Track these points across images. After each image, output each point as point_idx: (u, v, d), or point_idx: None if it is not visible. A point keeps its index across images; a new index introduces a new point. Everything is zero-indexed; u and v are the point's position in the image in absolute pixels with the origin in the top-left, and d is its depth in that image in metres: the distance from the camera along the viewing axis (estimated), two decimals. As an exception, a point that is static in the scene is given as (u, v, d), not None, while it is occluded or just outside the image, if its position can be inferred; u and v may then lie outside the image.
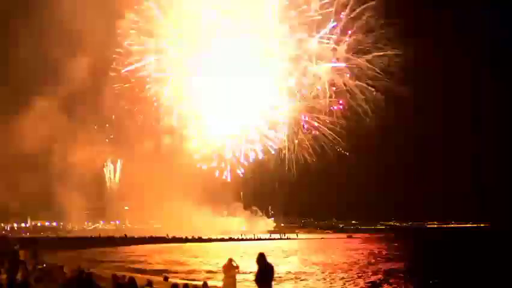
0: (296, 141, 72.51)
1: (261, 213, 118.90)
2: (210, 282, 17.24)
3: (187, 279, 22.33)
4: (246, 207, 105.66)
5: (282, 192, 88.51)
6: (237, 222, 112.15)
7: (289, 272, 29.88)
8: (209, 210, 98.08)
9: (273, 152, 73.68)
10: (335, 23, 66.28)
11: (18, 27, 78.94)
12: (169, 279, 14.98)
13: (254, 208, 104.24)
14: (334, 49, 67.12)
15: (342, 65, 67.14)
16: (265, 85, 71.04)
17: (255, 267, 10.67)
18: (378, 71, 66.79)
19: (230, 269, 14.19)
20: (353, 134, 71.88)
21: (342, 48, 67.08)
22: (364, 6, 65.78)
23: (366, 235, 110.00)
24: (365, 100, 68.64)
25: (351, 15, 66.08)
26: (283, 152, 72.91)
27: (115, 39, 73.44)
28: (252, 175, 79.20)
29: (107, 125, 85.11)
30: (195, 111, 72.78)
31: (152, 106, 75.07)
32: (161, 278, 15.68)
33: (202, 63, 70.18)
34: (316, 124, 71.04)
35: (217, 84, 70.07)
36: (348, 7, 66.27)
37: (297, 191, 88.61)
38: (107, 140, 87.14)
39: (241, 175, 78.00)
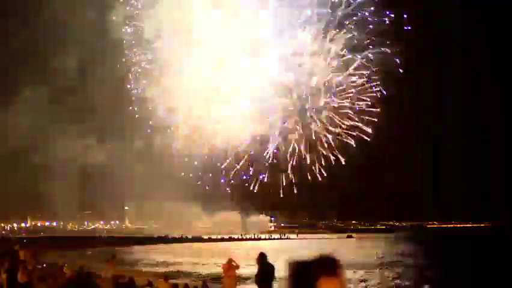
0: (292, 138, 71.95)
1: (257, 212, 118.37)
2: (209, 282, 17.25)
3: (187, 279, 22.35)
4: (241, 206, 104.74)
5: (280, 191, 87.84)
6: (232, 221, 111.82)
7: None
8: (202, 209, 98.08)
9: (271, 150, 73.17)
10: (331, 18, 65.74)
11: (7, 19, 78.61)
12: (169, 279, 14.95)
13: (245, 204, 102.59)
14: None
15: None
16: (259, 81, 70.56)
17: (255, 267, 10.64)
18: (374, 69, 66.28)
19: (230, 269, 14.16)
20: (352, 134, 71.41)
21: (338, 44, 66.57)
22: (361, 0, 65.22)
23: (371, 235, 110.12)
24: (362, 99, 68.21)
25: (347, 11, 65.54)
26: (280, 151, 72.42)
27: (105, 30, 72.70)
28: (249, 174, 78.59)
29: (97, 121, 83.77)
30: (186, 108, 72.20)
31: (143, 103, 74.26)
32: (161, 278, 15.65)
33: (193, 58, 69.64)
34: (315, 123, 70.51)
35: (210, 80, 69.53)
36: (344, 2, 65.71)
37: (296, 191, 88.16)
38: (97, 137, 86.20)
39: (238, 173, 77.39)
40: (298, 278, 2.80)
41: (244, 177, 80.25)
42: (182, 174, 78.69)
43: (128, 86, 74.56)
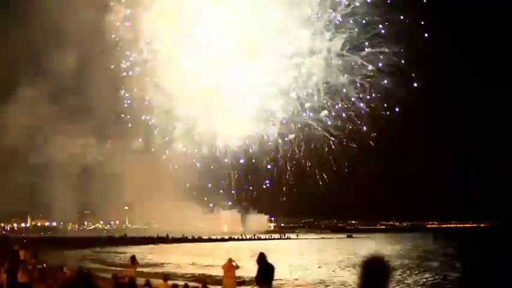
0: (291, 139, 71.68)
1: (255, 212, 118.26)
2: (209, 282, 17.25)
3: (187, 280, 22.35)
4: (241, 206, 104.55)
5: (280, 192, 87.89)
6: (232, 221, 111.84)
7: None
8: (202, 209, 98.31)
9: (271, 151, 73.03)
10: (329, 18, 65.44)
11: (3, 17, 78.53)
12: (169, 280, 14.95)
13: (245, 203, 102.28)
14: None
15: None
16: (257, 82, 70.37)
17: (255, 267, 10.62)
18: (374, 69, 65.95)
19: (230, 269, 14.17)
20: (351, 134, 71.18)
21: (337, 43, 66.25)
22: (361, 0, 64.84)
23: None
24: (361, 99, 67.90)
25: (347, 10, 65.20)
26: (279, 151, 72.25)
27: (103, 31, 72.45)
28: (248, 174, 78.46)
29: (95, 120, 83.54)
30: (184, 109, 72.00)
31: (141, 104, 74.05)
32: (160, 278, 15.65)
33: (192, 59, 69.40)
34: (311, 123, 70.28)
35: (209, 80, 69.30)
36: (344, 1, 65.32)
37: (296, 191, 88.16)
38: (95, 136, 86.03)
39: (237, 174, 77.28)
40: (371, 276, 2.90)
41: (245, 187, 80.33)
42: (178, 182, 79.13)
43: (121, 91, 75.10)
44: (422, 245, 64.64)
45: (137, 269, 19.86)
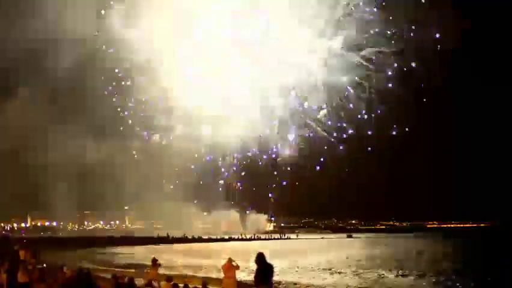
0: (291, 139, 71.66)
1: (254, 212, 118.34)
2: (209, 282, 17.26)
3: (187, 280, 22.36)
4: (241, 206, 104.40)
5: (280, 192, 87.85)
6: (232, 221, 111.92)
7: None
8: (202, 209, 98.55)
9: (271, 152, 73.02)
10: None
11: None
12: (172, 281, 14.97)
13: (244, 203, 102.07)
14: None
15: None
16: (257, 82, 70.31)
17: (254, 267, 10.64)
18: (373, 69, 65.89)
19: (230, 269, 14.18)
20: (351, 134, 71.12)
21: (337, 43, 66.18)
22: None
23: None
24: (360, 98, 67.84)
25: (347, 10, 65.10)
26: (279, 151, 72.19)
27: (102, 29, 72.21)
28: (248, 175, 78.39)
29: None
30: (186, 109, 71.92)
31: (141, 103, 73.88)
32: (163, 279, 15.68)
33: (194, 58, 69.30)
34: (311, 123, 70.20)
35: (210, 80, 69.21)
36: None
37: (296, 191, 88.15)
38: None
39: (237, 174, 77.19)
40: None
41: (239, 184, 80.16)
42: (177, 182, 79.06)
43: (121, 91, 74.99)
44: (422, 245, 64.75)
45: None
